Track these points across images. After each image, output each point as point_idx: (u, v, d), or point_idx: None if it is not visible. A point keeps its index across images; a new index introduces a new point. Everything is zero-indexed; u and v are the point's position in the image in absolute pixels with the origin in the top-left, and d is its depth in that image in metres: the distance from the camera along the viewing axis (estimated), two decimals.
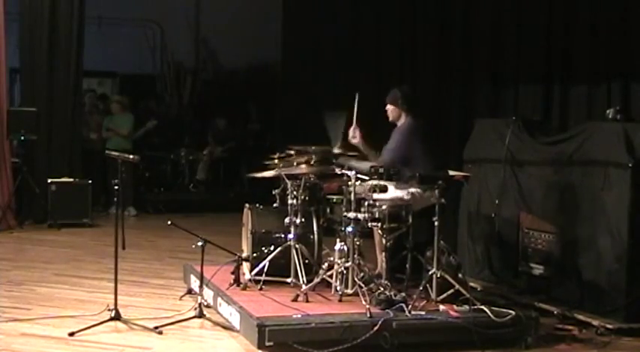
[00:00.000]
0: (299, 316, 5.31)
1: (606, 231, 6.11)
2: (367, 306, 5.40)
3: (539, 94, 8.11)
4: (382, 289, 5.75)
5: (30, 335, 5.49)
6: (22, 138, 10.42)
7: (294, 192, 6.29)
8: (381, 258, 6.44)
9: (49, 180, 10.51)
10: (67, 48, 11.03)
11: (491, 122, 7.69)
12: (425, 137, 6.69)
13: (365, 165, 6.28)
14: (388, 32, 10.87)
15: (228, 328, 5.69)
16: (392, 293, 5.65)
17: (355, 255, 5.93)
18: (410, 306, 5.48)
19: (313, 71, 12.74)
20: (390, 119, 6.80)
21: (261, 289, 6.07)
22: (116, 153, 6.17)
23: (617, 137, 6.07)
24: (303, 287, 5.86)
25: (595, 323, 5.95)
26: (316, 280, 5.96)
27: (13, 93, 12.83)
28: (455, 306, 5.58)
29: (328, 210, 6.41)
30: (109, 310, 5.81)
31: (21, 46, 11.08)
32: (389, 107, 6.78)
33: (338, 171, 6.23)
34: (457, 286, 5.69)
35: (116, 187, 5.91)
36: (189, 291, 6.71)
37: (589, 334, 5.88)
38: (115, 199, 6.62)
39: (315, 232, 6.38)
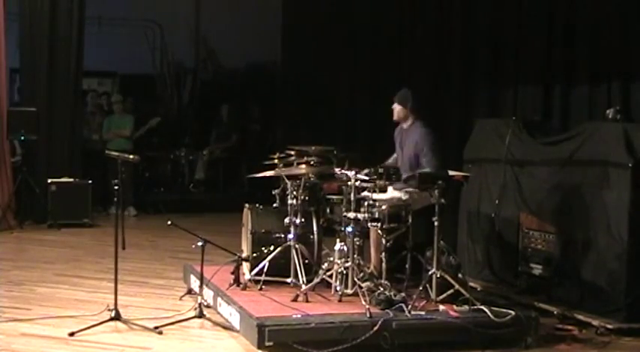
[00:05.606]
0: (299, 316, 5.32)
1: (606, 231, 6.11)
2: (367, 306, 5.40)
3: (539, 94, 8.09)
4: (382, 289, 5.75)
5: (30, 335, 5.49)
6: (22, 138, 10.43)
7: (294, 192, 6.28)
8: (375, 256, 6.44)
9: (49, 180, 10.51)
10: (67, 48, 11.03)
11: (492, 122, 7.69)
12: None
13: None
14: (387, 32, 10.86)
15: (228, 328, 5.69)
16: (392, 293, 5.66)
17: (355, 255, 5.93)
18: (410, 306, 5.48)
19: (313, 71, 12.73)
20: (395, 118, 6.70)
21: (261, 289, 6.07)
22: (116, 154, 6.17)
23: (617, 137, 6.07)
24: (303, 287, 5.86)
25: (595, 323, 5.95)
26: (316, 280, 5.96)
27: (13, 93, 12.82)
28: (455, 306, 5.59)
29: (328, 210, 6.41)
30: (109, 310, 5.81)
31: (21, 46, 11.08)
32: (397, 106, 6.66)
33: (339, 171, 6.22)
34: (457, 286, 5.69)
35: (116, 187, 5.91)
36: (189, 291, 6.71)
37: (589, 334, 5.88)
38: (115, 199, 6.60)
39: (315, 232, 6.38)
